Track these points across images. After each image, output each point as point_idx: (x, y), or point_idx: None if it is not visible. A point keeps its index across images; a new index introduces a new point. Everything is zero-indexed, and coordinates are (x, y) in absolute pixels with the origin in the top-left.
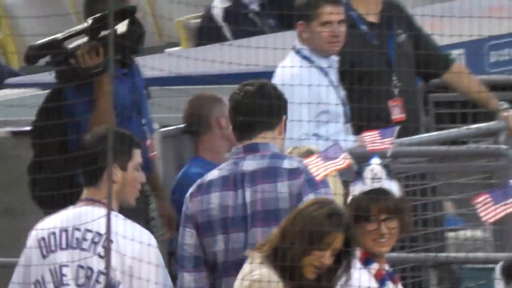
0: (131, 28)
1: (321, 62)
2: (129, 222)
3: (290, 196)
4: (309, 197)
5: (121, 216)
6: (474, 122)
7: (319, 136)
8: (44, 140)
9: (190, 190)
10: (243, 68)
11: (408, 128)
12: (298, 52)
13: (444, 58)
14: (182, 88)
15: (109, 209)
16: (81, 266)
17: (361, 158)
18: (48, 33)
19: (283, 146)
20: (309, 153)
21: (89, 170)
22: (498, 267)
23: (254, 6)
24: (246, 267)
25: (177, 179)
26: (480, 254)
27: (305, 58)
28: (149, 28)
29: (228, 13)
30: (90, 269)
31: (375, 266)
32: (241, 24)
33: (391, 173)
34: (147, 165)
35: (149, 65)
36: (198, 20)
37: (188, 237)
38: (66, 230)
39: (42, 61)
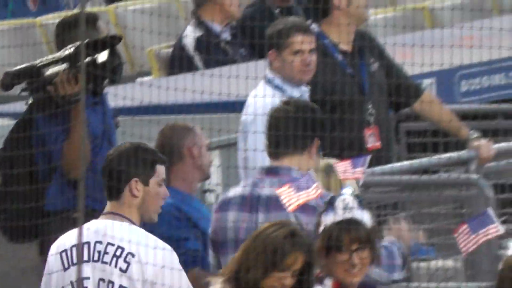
0: (110, 58)
1: (292, 91)
2: (151, 235)
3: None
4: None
5: (142, 230)
6: (445, 151)
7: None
8: (11, 170)
9: (215, 206)
10: (215, 97)
11: (380, 157)
12: (269, 81)
13: (415, 87)
14: (153, 118)
15: (81, 223)
16: (102, 279)
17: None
18: (20, 62)
19: (311, 169)
20: (328, 167)
21: (111, 184)
22: None
23: (226, 36)
24: None
25: None
26: (451, 284)
27: (277, 87)
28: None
29: (200, 43)
30: (111, 282)
31: None
32: (212, 53)
33: (363, 203)
34: None
35: (121, 95)
36: (170, 50)
37: (212, 258)
38: (88, 243)
39: (17, 88)
